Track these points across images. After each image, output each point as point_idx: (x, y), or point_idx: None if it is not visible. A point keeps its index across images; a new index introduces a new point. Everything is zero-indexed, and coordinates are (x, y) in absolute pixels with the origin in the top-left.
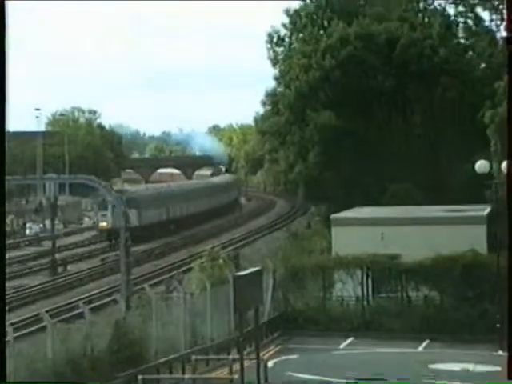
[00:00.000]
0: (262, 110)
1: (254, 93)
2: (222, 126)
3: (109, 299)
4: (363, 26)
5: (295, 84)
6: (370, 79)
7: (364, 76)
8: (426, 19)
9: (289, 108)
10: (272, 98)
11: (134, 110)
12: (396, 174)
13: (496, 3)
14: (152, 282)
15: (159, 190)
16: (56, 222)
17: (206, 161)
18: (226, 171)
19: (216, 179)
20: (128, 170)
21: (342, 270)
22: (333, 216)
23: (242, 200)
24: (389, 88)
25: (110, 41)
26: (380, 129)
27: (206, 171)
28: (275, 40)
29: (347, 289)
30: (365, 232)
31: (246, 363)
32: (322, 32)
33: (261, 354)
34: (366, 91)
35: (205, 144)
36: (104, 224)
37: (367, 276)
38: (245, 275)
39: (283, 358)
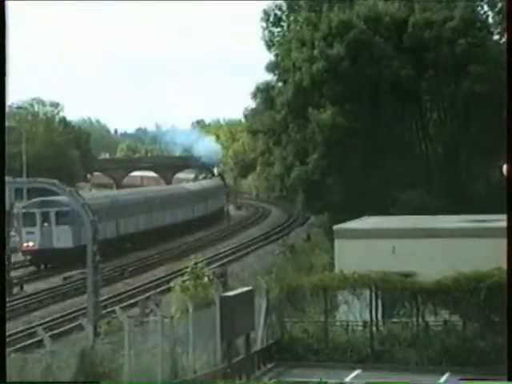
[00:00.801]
0: (252, 104)
1: (244, 83)
2: (207, 121)
3: (73, 324)
4: (369, 6)
5: (294, 77)
6: (383, 68)
7: (375, 64)
8: None
9: (287, 105)
10: (265, 91)
11: (104, 104)
12: (409, 180)
13: None
14: (124, 304)
15: (114, 198)
16: (13, 233)
17: (189, 162)
18: (213, 175)
19: (198, 184)
20: (97, 173)
21: (347, 290)
22: (336, 227)
23: (231, 208)
24: (403, 79)
25: (77, 27)
26: (391, 128)
27: (189, 174)
28: (272, 19)
29: (353, 312)
30: (373, 245)
31: None
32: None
33: None
34: (376, 84)
35: (188, 142)
36: (30, 244)
37: (376, 297)
38: (233, 296)
39: None
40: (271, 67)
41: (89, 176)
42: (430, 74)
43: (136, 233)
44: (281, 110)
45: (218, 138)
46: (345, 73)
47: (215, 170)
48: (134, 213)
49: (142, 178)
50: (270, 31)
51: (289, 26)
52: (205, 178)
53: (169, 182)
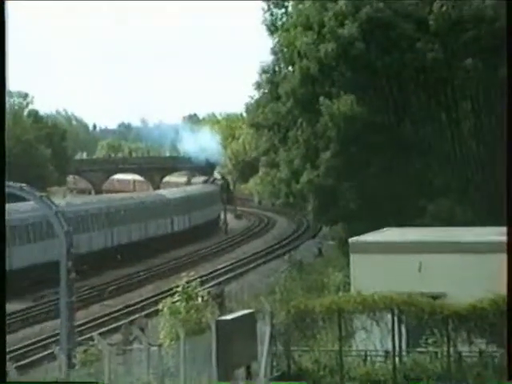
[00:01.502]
0: (256, 95)
1: (244, 73)
2: (200, 115)
3: (44, 353)
4: None
5: (301, 63)
6: (404, 51)
7: (394, 47)
8: None
9: (292, 94)
10: (270, 78)
11: (81, 96)
12: (439, 185)
13: None
14: (104, 329)
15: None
16: None
17: (180, 163)
18: (214, 179)
19: (182, 191)
20: (72, 177)
21: (366, 313)
22: (352, 240)
23: (229, 218)
24: (430, 64)
25: (52, 11)
26: (417, 122)
27: (180, 178)
28: None
29: (372, 340)
30: (396, 262)
31: None
32: None
33: None
34: (397, 70)
35: (179, 140)
36: None
37: (400, 322)
38: (232, 320)
39: None
40: (274, 52)
41: (71, 178)
42: (462, 58)
43: (91, 252)
44: (286, 101)
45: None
46: (359, 57)
47: (216, 173)
48: (89, 227)
49: (125, 181)
50: (271, 14)
51: (293, 7)
52: (206, 182)
53: (157, 187)
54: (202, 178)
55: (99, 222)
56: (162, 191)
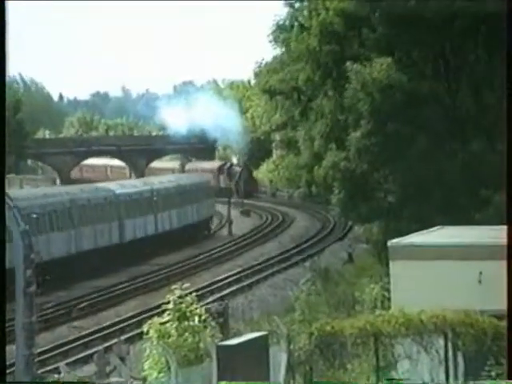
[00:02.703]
0: (269, 56)
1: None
2: (198, 83)
3: None
4: None
5: (320, 17)
6: None
7: None
8: None
9: (312, 55)
10: (287, 35)
11: (43, 58)
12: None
13: None
14: (73, 358)
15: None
16: None
17: (172, 144)
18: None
19: (161, 180)
20: (33, 161)
21: (410, 338)
22: (392, 243)
23: (234, 214)
24: (491, 15)
25: None
26: (478, 91)
27: (169, 163)
28: None
29: (419, 372)
30: (450, 271)
31: None
32: None
33: None
34: (451, 19)
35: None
36: None
37: (455, 349)
38: (237, 346)
39: None
40: (290, 4)
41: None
42: None
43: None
44: (305, 64)
45: None
46: (397, 5)
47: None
48: (51, 227)
49: (98, 168)
50: None
51: None
52: (220, 169)
53: (140, 174)
54: (205, 163)
55: (63, 221)
56: (111, 184)
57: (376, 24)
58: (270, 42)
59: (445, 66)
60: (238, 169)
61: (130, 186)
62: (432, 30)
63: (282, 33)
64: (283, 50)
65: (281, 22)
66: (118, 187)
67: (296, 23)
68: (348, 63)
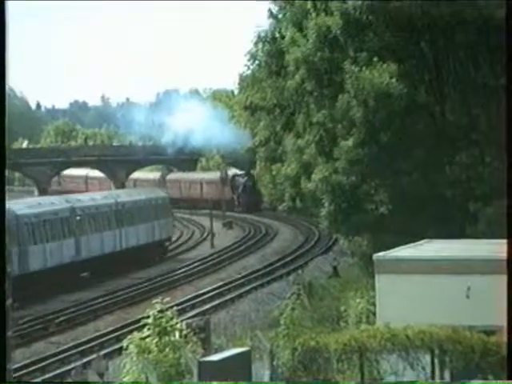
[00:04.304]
0: (250, 67)
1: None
2: (181, 91)
3: None
4: None
5: (316, 19)
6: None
7: None
8: None
9: (304, 62)
10: (269, 47)
11: (21, 65)
12: (497, 184)
13: None
14: (50, 374)
15: None
16: None
17: (154, 154)
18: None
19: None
20: (10, 171)
21: (396, 354)
22: (378, 256)
23: (217, 226)
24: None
25: None
26: (475, 103)
27: (150, 174)
28: None
29: None
30: (437, 285)
31: None
32: None
33: None
34: (451, 27)
35: (153, 124)
36: None
37: (442, 366)
38: (219, 362)
39: None
40: (273, 16)
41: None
42: None
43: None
44: (295, 72)
45: None
46: (399, 9)
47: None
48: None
49: (76, 179)
50: None
51: None
52: (223, 179)
53: (120, 185)
54: (206, 174)
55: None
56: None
57: (378, 29)
58: (249, 59)
59: (436, 76)
60: (241, 180)
61: (47, 204)
62: (430, 39)
63: (264, 45)
64: (263, 63)
65: (262, 34)
66: (21, 207)
67: (288, 31)
68: (345, 64)
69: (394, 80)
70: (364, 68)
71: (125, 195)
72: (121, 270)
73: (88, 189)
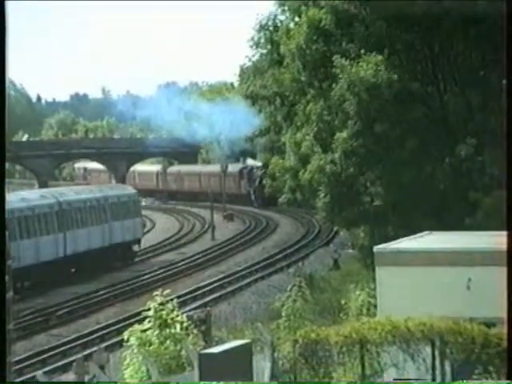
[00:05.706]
0: (247, 63)
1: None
2: (181, 84)
3: None
4: None
5: (307, 12)
6: None
7: None
8: None
9: (298, 54)
10: (270, 35)
11: (21, 58)
12: (496, 173)
13: None
14: (51, 366)
15: None
16: None
17: (155, 147)
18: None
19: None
20: (10, 165)
21: (397, 346)
22: (379, 248)
23: (217, 219)
24: (489, 14)
25: None
26: (469, 91)
27: (151, 166)
28: None
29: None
30: (438, 277)
31: None
32: None
33: None
34: (442, 18)
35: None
36: None
37: (442, 357)
38: (220, 354)
39: None
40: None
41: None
42: None
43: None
44: (291, 63)
45: None
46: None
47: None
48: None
49: (81, 170)
50: None
51: None
52: (241, 172)
53: (121, 179)
54: (211, 167)
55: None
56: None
57: (366, 22)
58: (251, 46)
59: (433, 67)
60: (259, 173)
61: None
62: (423, 30)
63: (265, 33)
64: (265, 51)
65: (264, 22)
66: None
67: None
68: (335, 57)
69: (381, 70)
70: (352, 61)
71: (72, 193)
72: (62, 280)
73: (88, 181)
